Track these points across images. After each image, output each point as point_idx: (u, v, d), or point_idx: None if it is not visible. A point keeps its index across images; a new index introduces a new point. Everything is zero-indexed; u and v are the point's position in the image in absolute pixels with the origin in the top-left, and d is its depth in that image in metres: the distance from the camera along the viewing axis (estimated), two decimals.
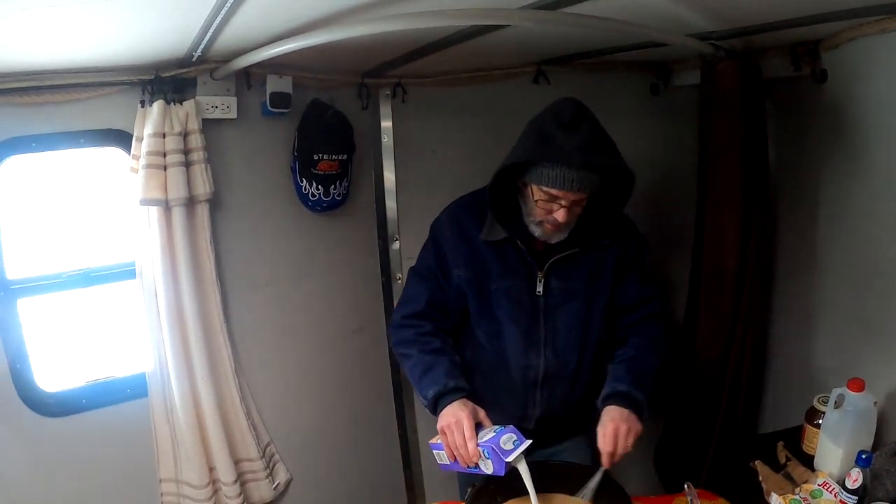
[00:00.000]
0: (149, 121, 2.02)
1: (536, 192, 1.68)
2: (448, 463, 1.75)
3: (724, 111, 2.35)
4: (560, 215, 1.68)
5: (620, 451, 1.68)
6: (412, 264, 2.03)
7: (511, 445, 1.66)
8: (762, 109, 2.38)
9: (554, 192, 1.65)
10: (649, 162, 2.74)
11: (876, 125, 2.07)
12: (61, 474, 2.23)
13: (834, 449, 1.90)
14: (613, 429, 1.69)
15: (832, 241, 2.34)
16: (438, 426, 1.75)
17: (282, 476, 2.62)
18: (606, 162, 1.67)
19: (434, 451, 1.79)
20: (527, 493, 1.68)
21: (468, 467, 1.70)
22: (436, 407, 1.78)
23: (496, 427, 1.72)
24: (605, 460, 1.69)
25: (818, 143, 2.36)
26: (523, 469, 1.68)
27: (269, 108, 2.22)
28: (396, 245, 2.64)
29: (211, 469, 2.37)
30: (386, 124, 2.51)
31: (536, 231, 1.77)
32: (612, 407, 1.75)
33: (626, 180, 1.75)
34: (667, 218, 2.92)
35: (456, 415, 1.71)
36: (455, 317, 1.96)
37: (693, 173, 2.59)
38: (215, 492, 2.40)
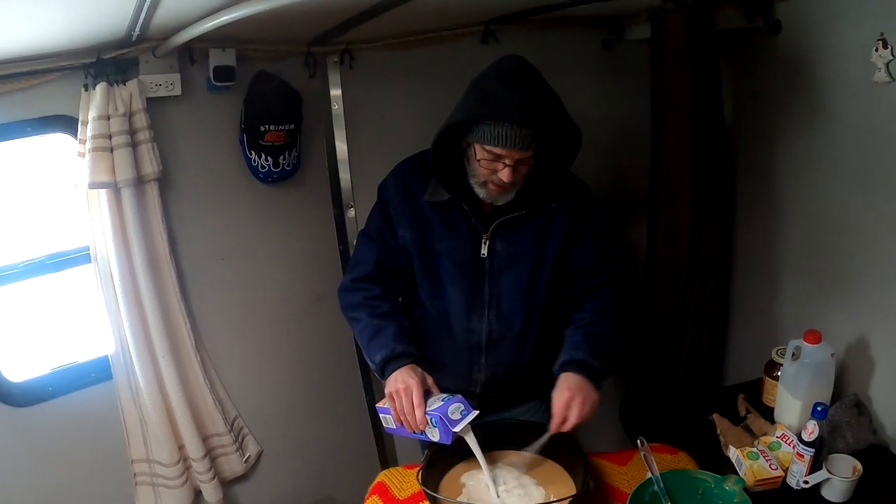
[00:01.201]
0: (93, 104, 1.99)
1: (479, 152, 1.66)
2: (395, 427, 1.76)
3: (673, 65, 2.32)
4: (505, 175, 1.65)
5: (573, 420, 1.67)
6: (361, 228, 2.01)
7: (459, 415, 1.67)
8: (716, 63, 2.35)
9: (497, 150, 1.62)
10: (605, 119, 2.73)
11: (833, 78, 2.06)
12: (33, 463, 2.24)
13: (792, 401, 1.93)
14: (568, 397, 1.68)
15: (791, 195, 2.35)
16: (386, 391, 1.75)
17: (252, 449, 2.64)
18: (550, 118, 1.64)
19: (381, 415, 1.80)
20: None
21: (414, 433, 1.71)
22: (383, 371, 1.78)
23: (444, 396, 1.73)
24: (553, 425, 1.68)
25: (775, 97, 2.35)
26: (471, 440, 1.70)
27: (214, 83, 2.17)
28: (352, 213, 2.61)
29: (180, 447, 2.39)
30: (335, 92, 2.46)
31: (481, 192, 1.75)
32: (569, 374, 1.73)
33: (573, 139, 1.73)
34: (625, 177, 2.92)
35: (405, 381, 1.71)
36: (404, 278, 1.93)
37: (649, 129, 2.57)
38: (187, 468, 2.42)
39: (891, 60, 1.79)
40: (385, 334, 1.81)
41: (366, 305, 1.88)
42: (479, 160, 1.67)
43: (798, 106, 2.22)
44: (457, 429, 1.65)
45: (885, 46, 1.79)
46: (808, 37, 2.14)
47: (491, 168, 1.67)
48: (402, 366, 1.75)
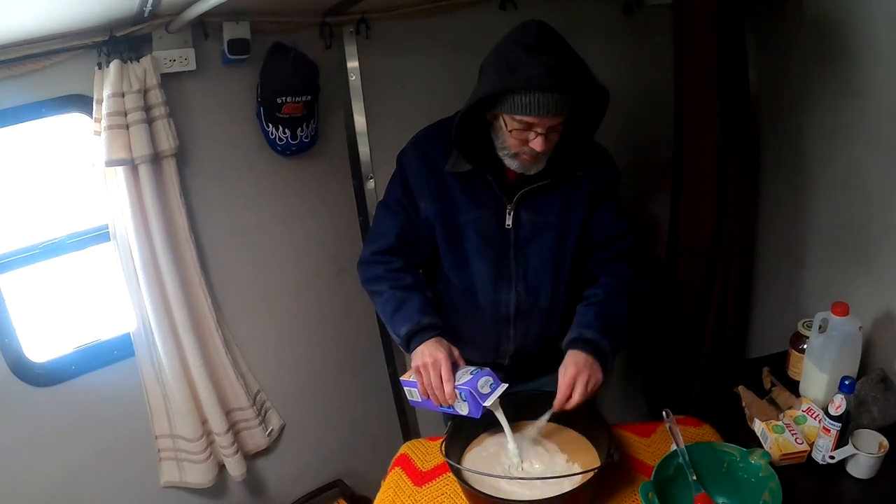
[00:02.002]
0: (107, 82, 1.97)
1: (510, 123, 1.60)
2: (420, 400, 1.75)
3: (696, 32, 2.26)
4: (537, 144, 1.60)
5: (576, 397, 1.64)
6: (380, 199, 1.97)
7: (488, 389, 1.66)
8: (741, 30, 2.29)
9: (529, 119, 1.56)
10: (626, 88, 2.65)
11: (862, 46, 1.98)
12: (59, 442, 2.27)
13: (818, 374, 1.90)
14: (573, 374, 1.65)
15: (818, 168, 2.28)
16: (413, 365, 1.73)
17: (275, 423, 2.66)
18: (580, 80, 1.58)
19: (405, 388, 1.79)
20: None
21: (440, 406, 1.70)
22: (409, 344, 1.76)
23: (472, 368, 1.72)
24: (557, 402, 1.66)
25: (802, 67, 2.28)
26: (500, 415, 1.69)
27: (229, 56, 2.15)
28: (371, 184, 2.59)
29: (203, 422, 2.41)
30: (352, 63, 2.42)
31: (513, 164, 1.70)
32: (577, 352, 1.70)
33: (599, 102, 1.68)
34: (648, 147, 2.86)
35: (433, 355, 1.69)
36: (426, 250, 1.90)
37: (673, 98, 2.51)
38: (210, 443, 2.45)
39: None
40: (410, 307, 1.78)
41: (388, 278, 1.85)
42: (510, 131, 1.61)
43: (826, 76, 2.15)
44: (487, 403, 1.64)
45: None
46: (837, 3, 2.07)
47: (522, 138, 1.61)
48: (428, 338, 1.73)
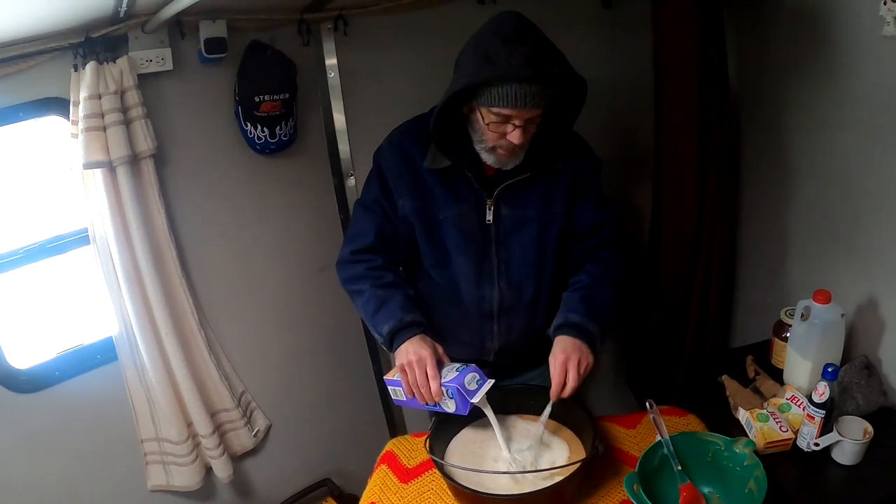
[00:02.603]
0: (83, 84, 1.95)
1: (487, 115, 1.58)
2: (405, 399, 1.72)
3: (676, 23, 2.27)
4: (515, 137, 1.59)
5: (571, 382, 1.63)
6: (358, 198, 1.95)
7: (475, 385, 1.65)
8: (720, 19, 2.28)
9: (506, 111, 1.55)
10: (605, 80, 2.65)
11: (841, 32, 1.99)
12: (45, 448, 2.25)
13: (802, 362, 1.91)
14: (564, 359, 1.64)
15: (799, 154, 2.29)
16: (398, 363, 1.70)
17: (261, 423, 2.64)
18: (558, 71, 1.57)
19: (390, 388, 1.76)
20: (485, 415, 1.70)
21: (426, 404, 1.68)
22: (392, 342, 1.73)
23: (457, 365, 1.70)
24: (553, 392, 1.65)
25: (781, 53, 2.29)
26: (488, 411, 1.68)
27: (206, 55, 2.13)
28: (352, 181, 2.58)
29: (189, 424, 2.39)
30: (331, 60, 2.41)
31: (489, 158, 1.69)
32: (564, 337, 1.70)
33: (577, 94, 1.67)
34: (628, 139, 2.86)
35: (418, 352, 1.66)
36: (405, 248, 1.88)
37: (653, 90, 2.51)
38: (196, 445, 2.43)
39: None
40: (392, 304, 1.76)
41: (368, 276, 1.82)
42: (487, 124, 1.60)
43: (805, 62, 2.15)
44: (475, 399, 1.63)
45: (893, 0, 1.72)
46: None
47: (500, 131, 1.60)
48: (412, 336, 1.71)
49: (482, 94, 1.55)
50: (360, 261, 1.86)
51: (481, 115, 1.60)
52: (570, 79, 1.61)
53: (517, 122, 1.58)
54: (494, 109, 1.56)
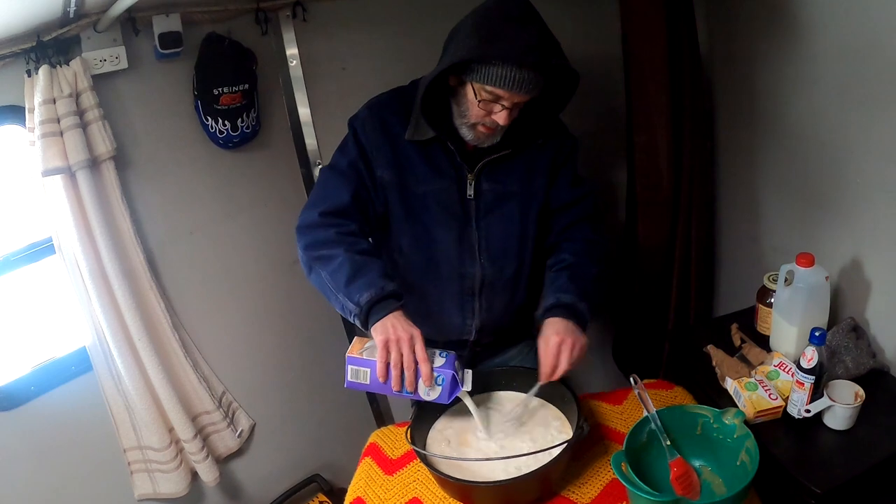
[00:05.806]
0: (37, 89, 1.90)
1: (480, 92, 1.55)
2: (367, 382, 1.53)
3: None
4: (501, 117, 1.57)
5: (564, 366, 1.59)
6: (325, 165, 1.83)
7: (461, 373, 1.60)
8: None
9: (500, 91, 1.53)
10: (575, 54, 2.59)
11: None
12: (27, 466, 2.20)
13: (788, 328, 1.88)
14: (558, 342, 1.59)
15: (774, 115, 2.25)
16: (380, 339, 1.51)
17: (244, 423, 2.60)
18: (557, 63, 1.56)
19: (350, 366, 1.55)
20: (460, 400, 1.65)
21: (401, 391, 1.54)
22: (368, 314, 1.55)
23: (438, 350, 1.60)
24: (543, 374, 1.61)
25: (752, 13, 2.24)
26: (468, 401, 1.64)
27: (161, 51, 2.08)
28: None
29: (170, 429, 2.35)
30: (291, 50, 2.35)
31: (468, 135, 1.66)
32: (556, 319, 1.64)
33: (567, 85, 1.66)
34: (600, 114, 2.78)
35: (406, 329, 1.51)
36: (375, 224, 1.79)
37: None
38: (179, 451, 2.39)
39: None
40: (370, 271, 1.58)
41: (342, 241, 1.64)
42: (478, 101, 1.57)
43: (776, 20, 2.11)
44: (466, 387, 1.57)
45: None
46: None
47: (487, 109, 1.58)
48: (392, 310, 1.54)
49: (479, 69, 1.53)
50: (331, 224, 1.68)
51: (473, 90, 1.57)
52: (565, 71, 1.61)
53: (506, 104, 1.56)
54: (489, 87, 1.54)
